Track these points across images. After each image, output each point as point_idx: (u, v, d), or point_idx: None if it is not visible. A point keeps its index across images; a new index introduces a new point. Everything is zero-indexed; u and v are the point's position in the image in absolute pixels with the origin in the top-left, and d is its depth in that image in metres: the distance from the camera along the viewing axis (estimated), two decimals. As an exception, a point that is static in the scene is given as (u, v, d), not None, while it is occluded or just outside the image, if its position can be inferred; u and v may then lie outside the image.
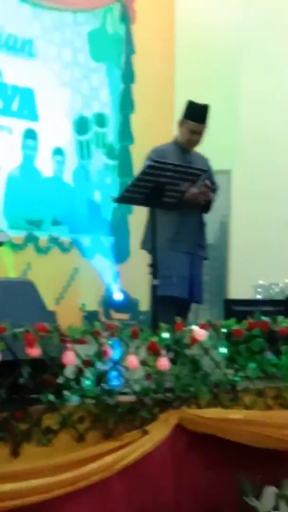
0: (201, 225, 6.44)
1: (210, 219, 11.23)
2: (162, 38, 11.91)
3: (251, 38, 11.38)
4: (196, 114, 6.62)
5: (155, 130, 11.35)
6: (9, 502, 3.24)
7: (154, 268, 5.62)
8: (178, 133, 6.75)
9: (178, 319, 4.16)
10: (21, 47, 10.55)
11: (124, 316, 10.77)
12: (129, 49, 11.67)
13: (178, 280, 6.18)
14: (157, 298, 5.49)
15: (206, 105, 6.65)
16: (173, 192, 5.75)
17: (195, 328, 4.09)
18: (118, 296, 10.77)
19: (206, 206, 6.37)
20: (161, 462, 3.89)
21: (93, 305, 10.42)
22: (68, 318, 4.32)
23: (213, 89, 11.39)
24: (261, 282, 8.64)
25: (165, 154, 6.45)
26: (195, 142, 6.66)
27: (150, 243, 5.90)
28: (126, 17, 11.64)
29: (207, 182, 6.12)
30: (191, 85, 11.72)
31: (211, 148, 10.65)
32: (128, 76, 11.65)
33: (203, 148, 9.13)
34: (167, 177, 5.64)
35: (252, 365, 4.35)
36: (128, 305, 10.90)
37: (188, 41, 11.91)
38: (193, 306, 11.15)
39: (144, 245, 6.38)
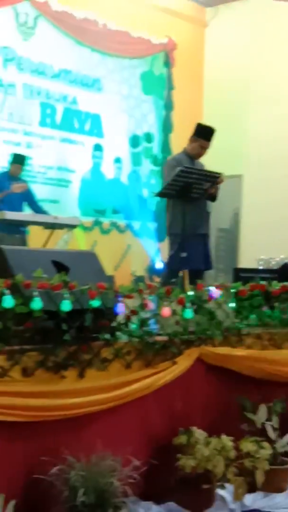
0: (207, 212, 6.32)
1: (226, 210, 11.33)
2: (193, 77, 11.84)
3: (259, 69, 11.22)
4: (207, 134, 6.62)
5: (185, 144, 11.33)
6: (77, 411, 3.29)
7: (183, 245, 5.72)
8: (188, 146, 6.67)
9: (199, 282, 4.19)
10: (92, 84, 10.54)
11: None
12: (170, 85, 11.62)
13: (198, 255, 6.12)
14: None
15: (213, 128, 6.69)
16: (198, 189, 5.76)
17: (212, 288, 4.09)
18: (159, 265, 10.73)
19: (215, 197, 6.34)
20: (185, 385, 3.91)
21: (140, 272, 10.41)
22: (123, 281, 4.33)
23: (228, 111, 11.30)
24: (262, 256, 8.56)
25: (180, 162, 6.37)
26: (202, 154, 6.63)
27: (174, 229, 6.21)
28: (168, 62, 11.57)
29: (221, 178, 6.09)
30: (214, 109, 11.65)
31: (226, 157, 10.64)
32: (169, 105, 11.62)
33: (220, 159, 9.04)
34: (194, 178, 5.63)
35: (253, 316, 4.39)
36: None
37: (212, 77, 11.81)
38: (212, 273, 11.18)
39: (169, 230, 6.42)
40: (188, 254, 5.92)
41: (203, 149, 6.52)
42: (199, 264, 6.15)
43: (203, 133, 6.60)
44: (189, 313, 3.87)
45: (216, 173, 5.79)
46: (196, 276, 5.80)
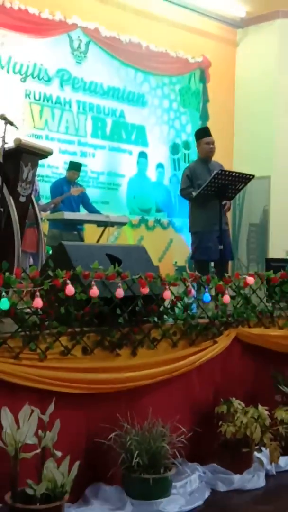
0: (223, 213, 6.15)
1: (256, 207, 11.26)
2: (226, 91, 11.76)
3: (284, 83, 11.14)
4: (204, 132, 6.60)
5: (221, 151, 11.23)
6: (131, 384, 3.32)
7: (221, 238, 5.84)
8: (199, 153, 6.62)
9: (236, 272, 4.21)
10: (137, 99, 10.54)
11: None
12: (205, 99, 11.55)
13: (215, 247, 6.06)
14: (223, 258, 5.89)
15: (206, 126, 7.05)
16: (233, 190, 5.76)
17: (247, 276, 4.06)
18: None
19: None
20: (224, 361, 3.92)
21: (181, 263, 10.39)
22: (166, 271, 4.33)
23: (257, 121, 11.25)
24: (289, 248, 8.54)
25: (195, 168, 6.45)
26: (213, 151, 6.45)
27: (194, 228, 6.37)
28: (203, 78, 11.50)
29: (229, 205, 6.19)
30: (244, 119, 11.60)
31: (256, 160, 10.57)
32: (204, 117, 11.54)
33: (251, 162, 8.92)
34: (229, 180, 5.63)
35: (284, 301, 4.32)
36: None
37: (242, 91, 11.75)
38: (245, 263, 11.12)
39: (191, 229, 6.46)
40: (207, 247, 6.12)
41: (209, 145, 6.40)
42: (215, 256, 6.14)
43: (201, 134, 6.60)
44: (227, 299, 3.86)
45: (249, 175, 5.74)
46: (214, 266, 6.23)
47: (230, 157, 11.37)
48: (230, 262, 7.08)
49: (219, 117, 11.51)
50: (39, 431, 2.83)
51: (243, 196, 11.06)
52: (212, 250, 6.06)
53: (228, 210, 6.44)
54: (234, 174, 5.70)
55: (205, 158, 6.45)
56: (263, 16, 11.30)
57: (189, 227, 6.52)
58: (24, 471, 2.79)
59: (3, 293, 2.94)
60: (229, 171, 5.71)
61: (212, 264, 6.48)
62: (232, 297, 3.95)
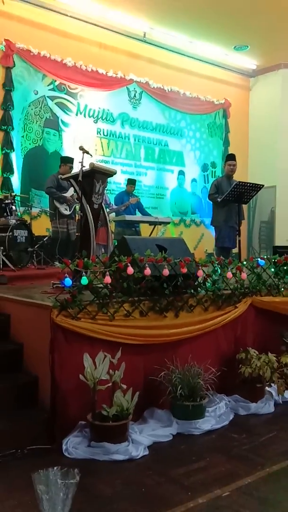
0: (240, 212, 6.00)
1: (266, 209, 11.06)
2: (242, 124, 11.52)
3: (285, 116, 10.85)
4: (230, 157, 6.78)
5: (239, 168, 11.08)
6: (175, 337, 3.34)
7: (220, 232, 6.31)
8: (224, 170, 6.87)
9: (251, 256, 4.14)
10: (176, 132, 10.44)
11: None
12: (227, 130, 11.32)
13: (230, 238, 6.34)
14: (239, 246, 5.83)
15: (232, 153, 6.94)
16: (248, 196, 5.67)
17: (259, 259, 4.00)
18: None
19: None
20: (243, 321, 3.87)
21: (210, 250, 10.17)
22: (199, 256, 4.33)
23: (265, 145, 11.02)
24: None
25: (221, 181, 6.62)
26: (234, 170, 6.64)
27: (215, 222, 6.50)
28: (225, 115, 11.28)
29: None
30: (256, 143, 11.37)
31: (265, 174, 10.38)
32: (226, 143, 11.33)
33: (261, 175, 8.71)
34: (245, 189, 5.54)
35: (286, 277, 4.22)
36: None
37: (254, 123, 11.50)
38: (257, 249, 10.91)
39: (212, 223, 6.63)
40: (224, 237, 6.37)
41: (231, 166, 6.62)
42: (228, 244, 6.38)
43: (228, 157, 6.83)
44: (244, 275, 3.81)
45: (259, 185, 5.63)
46: (228, 250, 6.33)
47: (245, 172, 11.23)
48: (246, 248, 7.16)
49: (237, 143, 11.35)
50: (110, 370, 2.88)
51: (255, 201, 10.91)
52: (227, 239, 6.33)
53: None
54: (248, 184, 5.60)
55: (228, 175, 6.63)
56: (269, 68, 11.13)
57: (211, 222, 6.69)
58: (100, 399, 2.84)
59: (83, 273, 2.99)
60: (245, 182, 5.61)
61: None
62: (248, 274, 3.90)
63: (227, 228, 6.33)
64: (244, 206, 6.46)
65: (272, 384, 3.59)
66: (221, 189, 6.38)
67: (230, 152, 11.37)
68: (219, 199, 6.18)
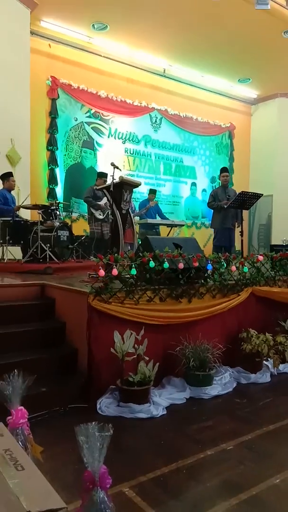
0: (238, 215, 5.95)
1: (264, 214, 10.89)
2: (244, 143, 11.33)
3: (282, 137, 10.62)
4: (223, 169, 6.63)
5: (241, 180, 10.97)
6: (188, 319, 3.31)
7: (217, 233, 6.26)
8: (220, 181, 6.71)
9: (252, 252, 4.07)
10: (190, 151, 10.36)
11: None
12: (232, 148, 11.17)
13: (225, 238, 6.28)
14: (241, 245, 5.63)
15: (225, 167, 6.77)
16: (250, 203, 5.57)
17: (258, 255, 3.94)
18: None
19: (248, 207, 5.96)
20: (245, 307, 3.81)
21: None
22: (208, 252, 4.29)
23: (264, 160, 10.82)
24: (285, 238, 8.16)
25: (217, 191, 6.51)
26: (227, 180, 6.55)
27: (213, 225, 6.43)
28: (230, 136, 11.12)
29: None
30: (257, 159, 11.18)
31: (263, 184, 10.22)
32: (231, 160, 11.17)
33: (260, 186, 8.55)
34: (247, 198, 5.44)
35: (282, 270, 4.15)
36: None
37: (255, 143, 11.30)
38: (256, 247, 10.72)
39: (212, 226, 6.59)
40: (220, 238, 6.34)
41: (225, 177, 6.54)
42: (226, 243, 6.30)
43: (222, 170, 6.69)
44: (245, 269, 3.76)
45: (259, 194, 5.54)
46: (225, 249, 6.16)
47: (247, 183, 11.09)
48: (247, 247, 7.06)
49: (240, 160, 11.20)
50: (135, 345, 2.88)
51: (255, 207, 10.74)
52: (223, 240, 6.30)
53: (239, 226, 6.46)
54: (250, 193, 5.52)
55: (223, 185, 6.59)
56: (268, 97, 10.94)
57: (210, 225, 6.69)
58: (127, 368, 2.85)
59: (114, 266, 2.99)
60: (247, 192, 5.53)
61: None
62: (249, 268, 3.85)
63: (223, 229, 6.29)
64: (246, 211, 6.37)
65: (269, 359, 3.54)
66: (217, 197, 6.37)
67: (234, 167, 11.38)
68: (225, 206, 6.15)
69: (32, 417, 2.27)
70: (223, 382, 3.24)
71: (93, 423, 1.25)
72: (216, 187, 11.08)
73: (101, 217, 6.85)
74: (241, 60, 8.99)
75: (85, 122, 8.63)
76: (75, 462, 2.00)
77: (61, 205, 6.77)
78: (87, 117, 8.66)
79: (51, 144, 8.04)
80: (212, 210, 6.55)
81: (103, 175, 6.96)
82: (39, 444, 1.71)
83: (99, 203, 6.83)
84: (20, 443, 1.58)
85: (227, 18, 7.43)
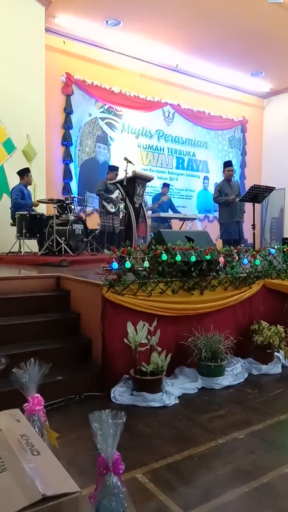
0: (241, 207, 5.95)
1: (276, 207, 10.73)
2: (257, 137, 11.16)
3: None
4: (227, 164, 6.48)
5: (254, 174, 10.82)
6: (201, 311, 3.29)
7: (224, 227, 6.12)
8: (224, 175, 6.49)
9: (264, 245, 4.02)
10: (202, 145, 10.27)
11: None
12: (244, 142, 11.02)
13: (235, 232, 6.18)
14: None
15: (228, 161, 6.61)
16: (262, 196, 5.48)
17: (270, 249, 3.89)
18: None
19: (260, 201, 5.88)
20: (256, 299, 3.77)
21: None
22: (220, 245, 4.26)
23: (277, 154, 10.65)
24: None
25: (222, 185, 6.37)
26: (232, 175, 6.43)
27: (221, 219, 6.31)
28: (243, 130, 10.97)
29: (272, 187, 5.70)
30: (269, 153, 11.01)
31: (276, 178, 10.06)
32: (243, 153, 11.03)
33: (273, 179, 8.41)
34: (259, 191, 5.36)
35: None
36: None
37: (267, 137, 11.11)
38: (269, 240, 10.60)
39: (220, 220, 6.43)
40: (229, 232, 6.21)
41: (229, 172, 6.40)
42: (235, 237, 6.19)
43: (226, 164, 6.55)
44: (257, 262, 3.72)
45: (271, 187, 5.45)
46: (234, 242, 6.03)
47: (259, 177, 10.94)
48: (259, 240, 6.95)
49: (253, 154, 11.05)
50: (148, 336, 2.88)
51: (267, 201, 10.60)
52: (233, 233, 6.19)
53: (244, 212, 6.42)
54: (262, 187, 5.42)
55: (228, 179, 6.45)
56: (280, 90, 10.73)
57: (218, 219, 6.55)
58: (140, 358, 2.86)
59: (127, 258, 2.99)
60: (259, 185, 5.44)
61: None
62: (261, 261, 3.80)
63: (232, 223, 6.19)
64: (258, 205, 6.28)
65: (280, 350, 3.51)
66: (223, 191, 6.27)
67: (246, 161, 11.23)
68: (237, 200, 6.06)
69: (48, 405, 2.31)
70: (234, 372, 3.22)
71: (107, 410, 1.26)
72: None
73: (112, 210, 6.86)
74: (254, 54, 8.82)
75: (99, 118, 8.61)
76: (90, 449, 2.02)
77: (76, 199, 6.79)
78: (101, 112, 8.63)
79: (66, 139, 8.06)
80: (219, 205, 6.46)
81: (114, 169, 6.95)
82: (55, 430, 1.74)
83: (111, 196, 6.83)
84: (37, 429, 1.60)
85: (240, 12, 7.28)
